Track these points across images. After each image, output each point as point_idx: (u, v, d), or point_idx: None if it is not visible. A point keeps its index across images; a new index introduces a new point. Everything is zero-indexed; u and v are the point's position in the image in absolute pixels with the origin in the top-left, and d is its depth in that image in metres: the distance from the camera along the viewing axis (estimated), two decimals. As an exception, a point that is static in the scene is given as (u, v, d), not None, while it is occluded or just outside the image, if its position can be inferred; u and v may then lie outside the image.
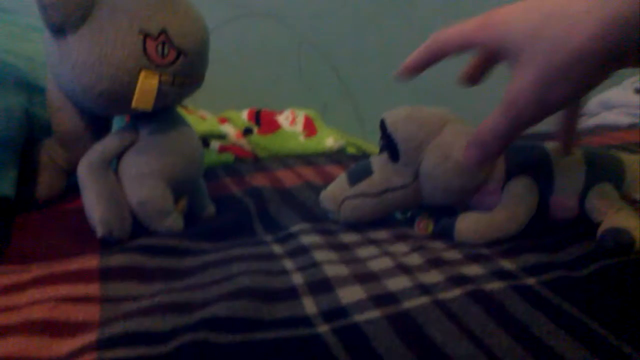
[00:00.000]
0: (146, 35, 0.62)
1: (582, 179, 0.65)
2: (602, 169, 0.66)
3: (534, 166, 0.67)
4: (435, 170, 0.65)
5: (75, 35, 0.62)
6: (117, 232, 0.65)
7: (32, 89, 0.80)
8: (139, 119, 0.68)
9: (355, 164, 0.73)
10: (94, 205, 0.64)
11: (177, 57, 0.64)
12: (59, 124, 0.73)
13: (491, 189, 0.67)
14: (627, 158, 0.69)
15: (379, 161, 0.70)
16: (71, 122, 0.72)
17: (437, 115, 0.67)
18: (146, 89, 0.63)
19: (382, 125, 0.68)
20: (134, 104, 0.63)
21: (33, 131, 0.77)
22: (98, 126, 0.74)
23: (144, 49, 0.62)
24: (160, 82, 0.64)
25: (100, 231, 0.64)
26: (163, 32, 0.63)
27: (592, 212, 0.64)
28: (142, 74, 0.63)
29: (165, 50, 0.63)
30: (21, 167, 0.74)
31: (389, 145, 0.67)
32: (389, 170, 0.68)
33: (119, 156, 0.68)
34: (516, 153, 0.69)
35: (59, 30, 0.62)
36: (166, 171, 0.67)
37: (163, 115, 0.69)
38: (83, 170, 0.66)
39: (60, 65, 0.65)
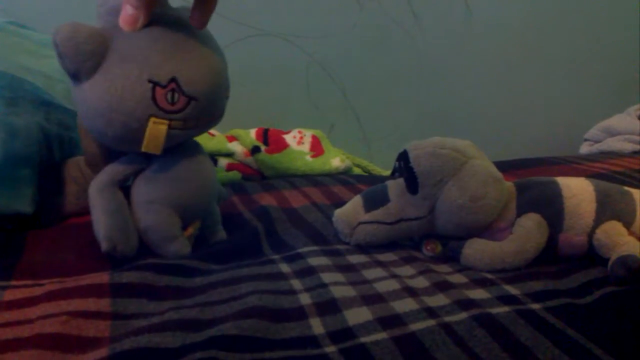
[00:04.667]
0: (155, 84, 0.62)
1: (592, 217, 0.66)
2: (613, 207, 0.67)
3: (544, 203, 0.67)
4: (451, 207, 0.66)
5: (89, 82, 0.63)
6: (122, 247, 0.65)
7: (48, 106, 0.81)
8: None
9: (371, 188, 0.74)
10: (99, 221, 0.65)
11: (188, 103, 0.64)
12: (87, 147, 0.75)
13: (502, 226, 0.68)
14: None
15: (395, 189, 0.71)
16: (97, 147, 0.74)
17: (459, 151, 0.68)
18: (155, 134, 0.63)
19: (404, 157, 0.68)
20: (143, 149, 0.64)
21: (52, 149, 0.78)
22: (122, 152, 0.75)
23: (153, 97, 0.63)
24: (170, 127, 0.64)
25: (104, 246, 0.64)
26: (173, 80, 0.63)
27: (599, 249, 0.65)
28: (151, 121, 0.63)
29: (175, 98, 0.63)
30: (49, 180, 0.76)
31: (409, 178, 0.68)
32: (405, 200, 0.69)
33: (131, 180, 0.69)
34: (528, 189, 0.70)
35: (75, 77, 0.64)
36: (173, 198, 0.67)
37: (176, 145, 0.69)
38: (93, 190, 0.67)
39: (79, 107, 0.66)
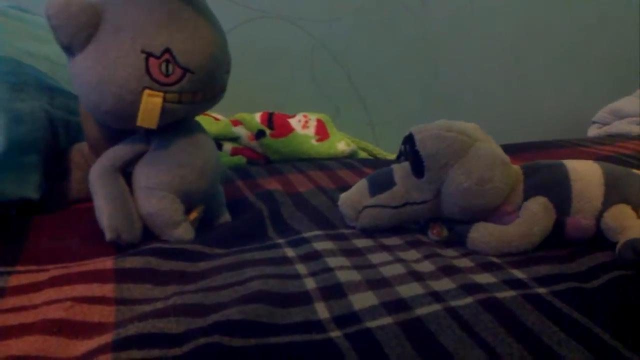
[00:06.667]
0: (149, 55, 0.61)
1: (599, 201, 0.65)
2: (621, 190, 0.66)
3: (552, 186, 0.67)
4: (457, 190, 0.66)
5: (82, 54, 0.62)
6: (126, 235, 0.65)
7: (53, 91, 0.81)
8: (151, 130, 0.68)
9: (377, 172, 0.74)
10: (102, 210, 0.65)
11: (183, 76, 0.63)
12: (89, 131, 0.74)
13: (509, 210, 0.67)
14: None
15: (400, 172, 0.70)
16: (99, 130, 0.73)
17: (466, 134, 0.67)
18: (149, 107, 0.62)
19: (410, 140, 0.67)
20: (138, 123, 0.63)
21: (57, 134, 0.78)
22: (124, 134, 0.74)
23: (147, 69, 0.62)
24: (165, 100, 0.63)
25: (108, 235, 0.64)
26: (167, 51, 0.62)
27: (607, 232, 0.64)
28: (145, 93, 0.62)
29: (170, 69, 0.62)
30: (54, 166, 0.75)
31: (414, 161, 0.67)
32: (410, 183, 0.69)
33: (132, 165, 0.68)
34: (535, 172, 0.69)
35: (68, 49, 0.63)
36: (175, 183, 0.67)
37: (175, 127, 0.68)
38: (93, 176, 0.67)
39: (74, 83, 0.66)
